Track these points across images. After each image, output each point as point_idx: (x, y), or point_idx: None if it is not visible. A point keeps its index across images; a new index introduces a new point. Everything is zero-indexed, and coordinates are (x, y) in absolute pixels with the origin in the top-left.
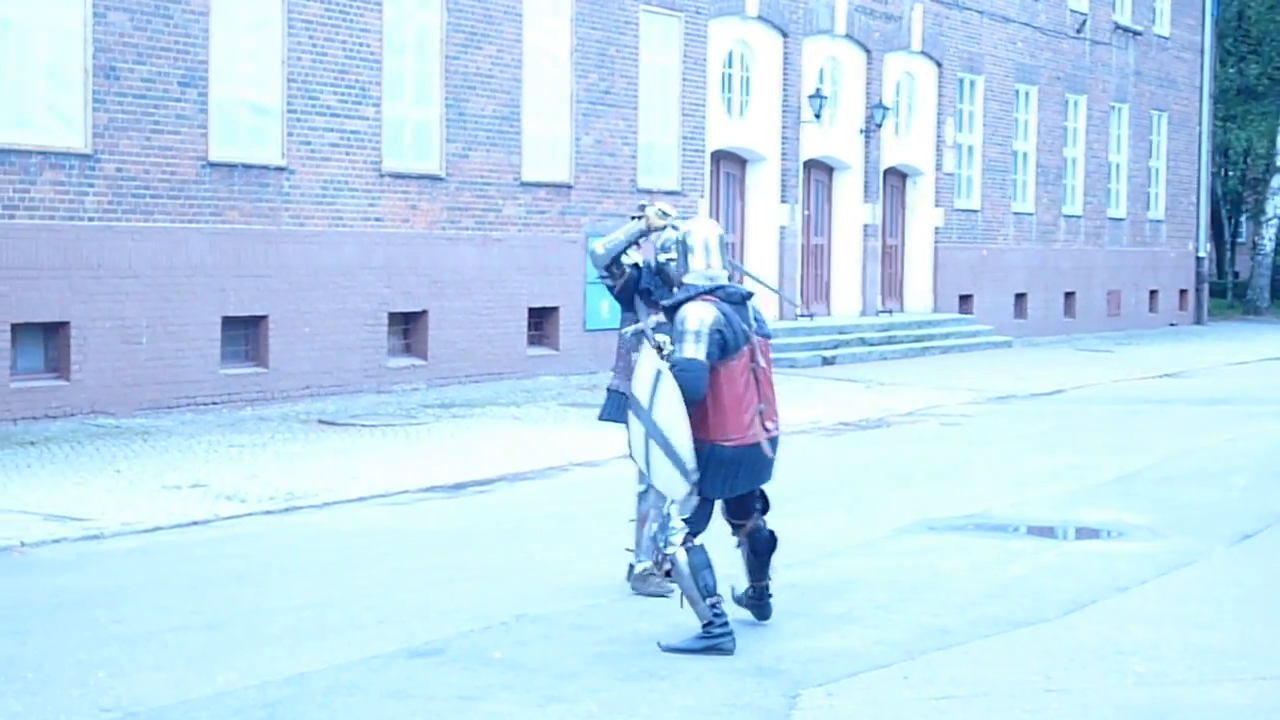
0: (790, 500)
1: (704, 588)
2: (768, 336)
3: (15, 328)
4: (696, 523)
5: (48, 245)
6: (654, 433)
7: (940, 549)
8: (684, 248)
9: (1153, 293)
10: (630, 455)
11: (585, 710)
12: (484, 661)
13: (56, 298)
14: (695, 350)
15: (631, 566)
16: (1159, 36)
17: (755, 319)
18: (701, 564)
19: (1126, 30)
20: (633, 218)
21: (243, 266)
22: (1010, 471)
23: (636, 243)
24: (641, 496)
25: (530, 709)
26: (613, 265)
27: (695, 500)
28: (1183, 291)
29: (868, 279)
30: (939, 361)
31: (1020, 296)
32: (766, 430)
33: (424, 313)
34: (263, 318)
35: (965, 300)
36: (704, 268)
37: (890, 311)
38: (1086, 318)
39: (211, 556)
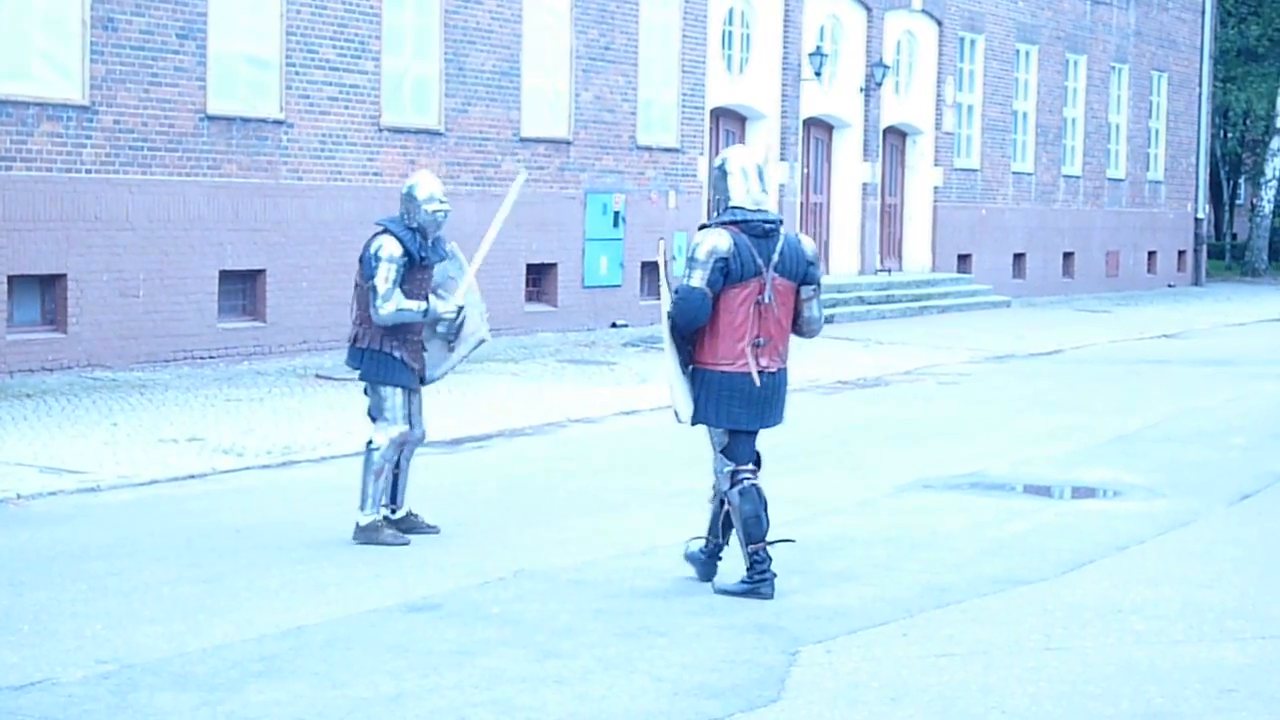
0: (788, 458)
1: (746, 535)
2: (795, 279)
3: (12, 280)
4: (735, 457)
5: (45, 197)
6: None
7: (938, 508)
8: (722, 173)
9: (1151, 254)
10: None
11: (583, 666)
12: (481, 617)
13: (53, 250)
14: (698, 279)
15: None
16: None
17: (784, 255)
18: (749, 512)
19: None
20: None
21: (241, 220)
22: (1008, 431)
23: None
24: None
25: (528, 664)
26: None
27: (722, 434)
28: (1181, 253)
29: (866, 238)
30: (937, 321)
31: (1019, 256)
32: (760, 364)
33: None
34: (260, 271)
35: (964, 260)
36: (746, 194)
37: (889, 270)
38: (1085, 278)
39: (208, 510)
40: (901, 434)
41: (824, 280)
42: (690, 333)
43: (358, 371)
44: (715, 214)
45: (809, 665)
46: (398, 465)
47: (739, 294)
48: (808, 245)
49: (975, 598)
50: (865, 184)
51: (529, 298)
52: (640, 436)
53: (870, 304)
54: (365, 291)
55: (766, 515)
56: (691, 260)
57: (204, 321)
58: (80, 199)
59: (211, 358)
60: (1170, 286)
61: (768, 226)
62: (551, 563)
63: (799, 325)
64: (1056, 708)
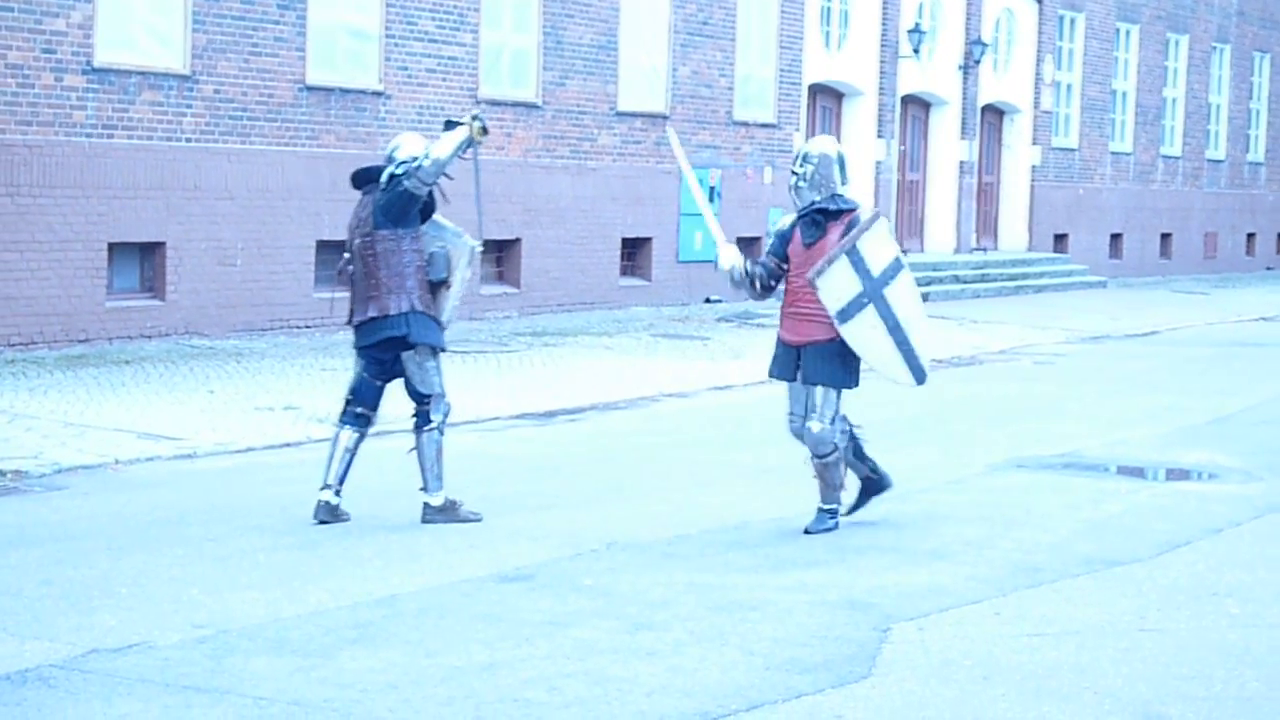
0: (883, 436)
1: (844, 482)
2: None
3: (112, 247)
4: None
5: (145, 165)
6: (891, 321)
7: (1032, 487)
8: (842, 162)
9: (1250, 236)
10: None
11: (675, 638)
12: (574, 588)
13: (153, 218)
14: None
15: (328, 504)
16: None
17: None
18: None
19: None
20: (451, 124)
21: (338, 190)
22: (1103, 411)
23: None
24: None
25: (620, 636)
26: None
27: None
28: None
29: (963, 216)
30: (1033, 300)
31: (1116, 237)
32: None
33: (517, 241)
34: None
35: (1060, 239)
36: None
37: (985, 249)
38: (1182, 259)
39: (303, 478)
40: (996, 413)
41: (920, 258)
42: None
43: (401, 340)
44: (818, 197)
45: (901, 642)
46: (355, 449)
47: None
48: None
49: (1069, 578)
50: (962, 162)
51: (624, 272)
52: (733, 411)
53: (965, 283)
54: (386, 245)
55: None
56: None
57: (300, 291)
58: (180, 168)
59: (308, 327)
60: (1269, 269)
61: None
62: (644, 535)
63: None
64: (1150, 689)
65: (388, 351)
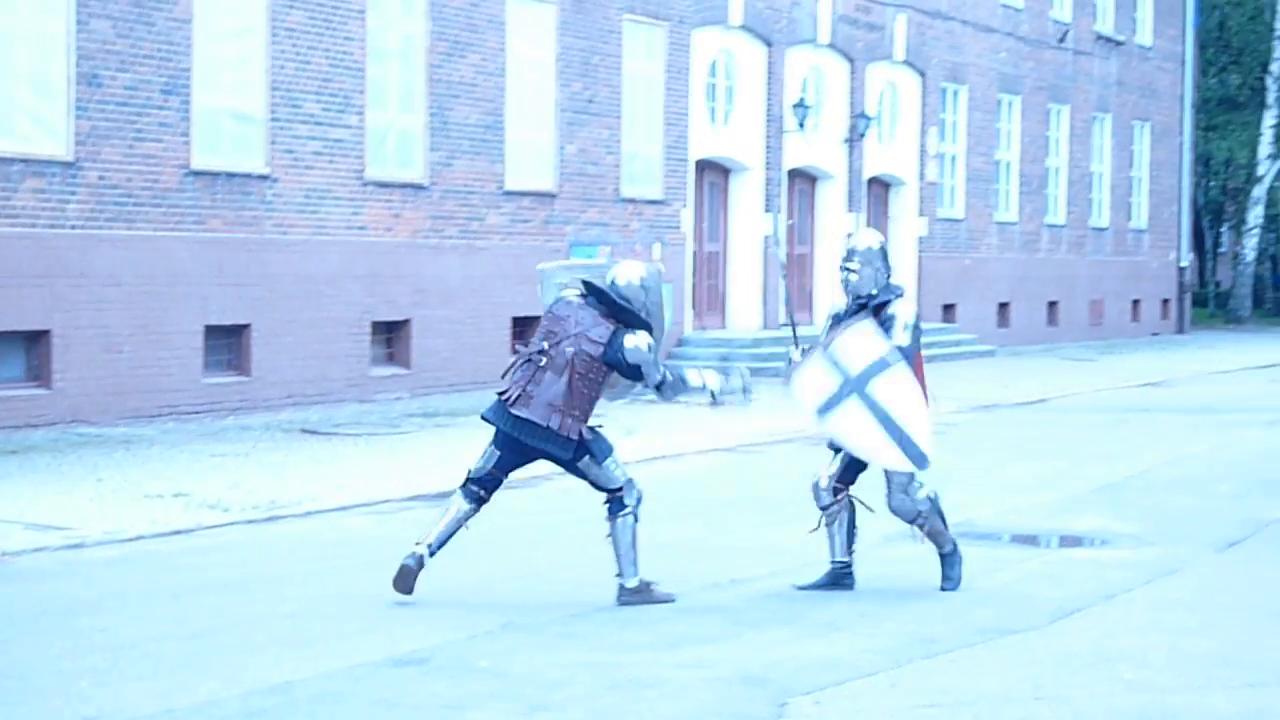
0: (773, 509)
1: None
2: None
3: None
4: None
5: (29, 253)
6: (880, 413)
7: (926, 557)
8: (884, 252)
9: (1135, 302)
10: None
11: (572, 719)
12: (470, 670)
13: (38, 306)
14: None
15: (418, 556)
16: (1140, 46)
17: None
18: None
19: (1108, 40)
20: (728, 368)
21: (225, 275)
22: (995, 480)
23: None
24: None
25: (517, 717)
26: None
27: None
28: (1165, 301)
29: None
30: None
31: (1003, 306)
32: None
33: (407, 321)
34: (245, 326)
35: (948, 309)
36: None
37: None
38: (1069, 327)
39: (194, 566)
40: None
41: (808, 330)
42: None
43: (567, 457)
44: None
45: (797, 717)
46: (464, 520)
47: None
48: None
49: (964, 647)
50: (850, 234)
51: (514, 350)
52: None
53: None
54: (599, 375)
55: None
56: (910, 325)
57: (189, 377)
58: (65, 255)
59: (197, 413)
60: (1154, 335)
61: None
62: (540, 616)
63: None
64: None
65: (537, 452)
